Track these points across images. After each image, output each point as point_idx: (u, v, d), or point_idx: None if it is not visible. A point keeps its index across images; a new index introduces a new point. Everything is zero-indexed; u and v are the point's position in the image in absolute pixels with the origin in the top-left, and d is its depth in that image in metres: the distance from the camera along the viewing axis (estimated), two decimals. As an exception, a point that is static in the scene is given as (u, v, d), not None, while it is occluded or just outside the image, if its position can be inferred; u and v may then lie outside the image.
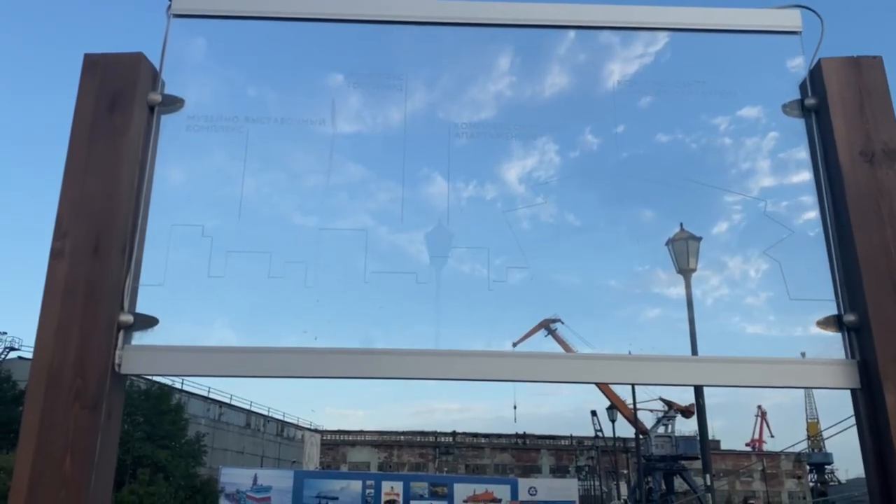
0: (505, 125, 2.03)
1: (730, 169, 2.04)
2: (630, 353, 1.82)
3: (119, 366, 1.72)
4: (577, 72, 2.09)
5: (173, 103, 1.96)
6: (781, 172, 2.01)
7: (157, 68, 1.97)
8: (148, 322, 1.78)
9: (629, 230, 2.02)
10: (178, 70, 1.99)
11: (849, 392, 1.77)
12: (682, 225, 2.28)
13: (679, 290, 2.01)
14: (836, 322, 1.82)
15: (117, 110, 1.87)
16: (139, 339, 1.78)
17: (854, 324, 1.77)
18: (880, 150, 1.84)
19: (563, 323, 2.20)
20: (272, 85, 2.08)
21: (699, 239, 2.13)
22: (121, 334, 1.74)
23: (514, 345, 1.83)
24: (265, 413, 53.16)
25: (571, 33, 2.02)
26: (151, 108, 1.94)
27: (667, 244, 2.34)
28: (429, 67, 2.13)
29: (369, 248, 1.86)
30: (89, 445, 1.62)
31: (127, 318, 1.75)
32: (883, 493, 1.63)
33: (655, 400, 56.69)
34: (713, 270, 1.99)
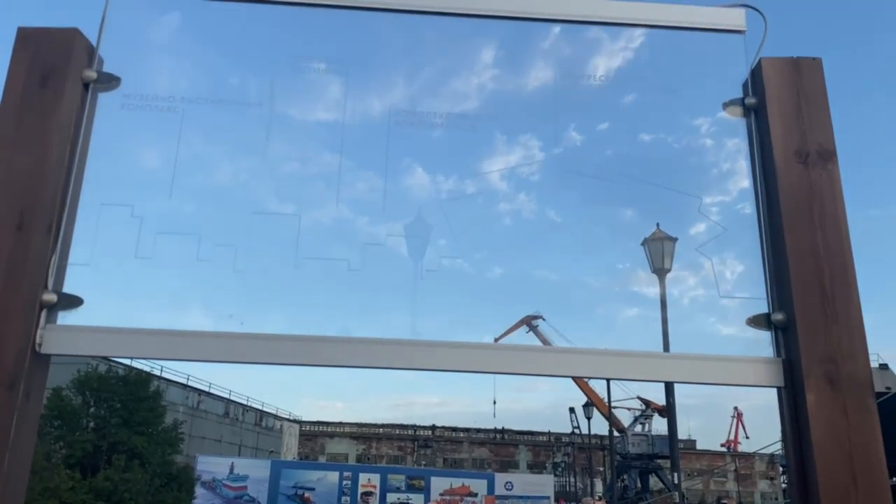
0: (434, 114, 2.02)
1: (672, 165, 2.04)
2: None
3: (40, 345, 1.69)
4: (515, 66, 2.08)
5: (109, 81, 1.93)
6: (720, 171, 2.02)
7: (95, 45, 1.94)
8: (73, 301, 1.76)
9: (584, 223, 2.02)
10: (116, 48, 1.96)
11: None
12: (658, 225, 2.27)
13: (657, 290, 2.01)
14: (765, 320, 1.83)
15: (49, 86, 1.84)
16: (63, 318, 1.75)
17: (781, 322, 1.78)
18: (815, 150, 1.85)
19: (544, 319, 2.19)
20: (212, 66, 2.05)
21: (675, 239, 2.12)
22: (43, 313, 1.71)
23: (496, 340, 1.81)
24: (244, 402, 52.93)
25: (495, 24, 2.00)
26: (86, 85, 1.90)
27: (642, 244, 2.33)
28: (407, 57, 2.11)
29: (302, 232, 1.84)
30: (3, 425, 1.59)
31: (50, 296, 1.72)
32: (800, 483, 1.65)
33: (633, 399, 57.12)
34: (690, 271, 1.99)
